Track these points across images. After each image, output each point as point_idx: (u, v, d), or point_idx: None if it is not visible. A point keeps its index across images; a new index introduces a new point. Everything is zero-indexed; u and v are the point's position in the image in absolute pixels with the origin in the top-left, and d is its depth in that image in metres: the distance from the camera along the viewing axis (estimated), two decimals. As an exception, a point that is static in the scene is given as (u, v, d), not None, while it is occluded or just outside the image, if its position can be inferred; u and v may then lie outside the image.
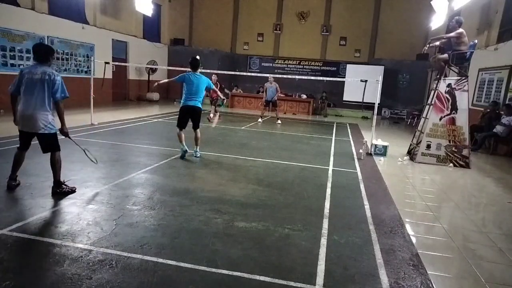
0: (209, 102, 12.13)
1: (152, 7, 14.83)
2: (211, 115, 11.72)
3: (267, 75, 11.04)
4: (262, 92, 17.95)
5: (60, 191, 3.89)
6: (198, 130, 6.03)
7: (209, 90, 6.37)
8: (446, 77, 7.13)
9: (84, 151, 4.44)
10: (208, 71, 11.29)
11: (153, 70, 17.09)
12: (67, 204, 3.65)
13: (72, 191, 3.97)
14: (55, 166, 3.90)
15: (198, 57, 6.12)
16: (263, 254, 2.89)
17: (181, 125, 5.94)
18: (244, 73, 11.21)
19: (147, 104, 15.44)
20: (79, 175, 4.64)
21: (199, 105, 5.92)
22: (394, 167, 6.68)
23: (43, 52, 3.82)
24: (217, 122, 10.83)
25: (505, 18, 10.49)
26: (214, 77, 11.89)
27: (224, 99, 11.73)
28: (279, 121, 12.12)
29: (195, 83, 5.85)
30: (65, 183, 4.00)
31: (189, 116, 5.94)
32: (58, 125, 3.91)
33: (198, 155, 6.05)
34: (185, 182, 4.72)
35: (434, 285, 2.62)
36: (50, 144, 3.86)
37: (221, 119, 11.61)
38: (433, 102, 7.09)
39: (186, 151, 5.98)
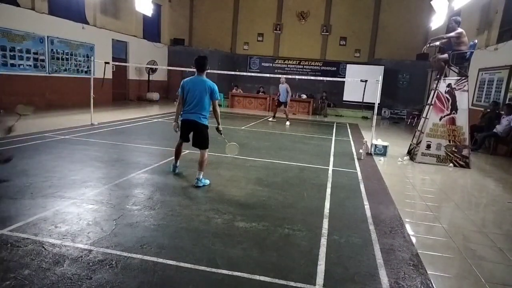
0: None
1: (152, 7, 14.81)
2: (287, 123, 12.01)
3: (267, 75, 11.00)
4: (263, 92, 18.14)
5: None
6: (203, 151, 4.61)
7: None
8: (446, 77, 7.13)
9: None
10: (208, 71, 11.32)
11: (153, 70, 17.10)
12: (67, 204, 3.65)
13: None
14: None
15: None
16: (263, 254, 2.89)
17: (182, 137, 4.83)
18: (244, 73, 11.16)
19: (147, 104, 15.46)
20: (79, 175, 4.64)
21: (201, 120, 4.54)
22: (394, 167, 6.68)
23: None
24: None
25: (505, 18, 10.49)
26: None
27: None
28: (287, 122, 12.00)
29: (195, 91, 4.49)
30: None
31: (189, 131, 4.71)
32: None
33: (198, 184, 4.47)
34: (185, 182, 4.72)
35: (434, 285, 2.62)
36: None
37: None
38: (433, 102, 7.09)
39: (174, 167, 5.06)
